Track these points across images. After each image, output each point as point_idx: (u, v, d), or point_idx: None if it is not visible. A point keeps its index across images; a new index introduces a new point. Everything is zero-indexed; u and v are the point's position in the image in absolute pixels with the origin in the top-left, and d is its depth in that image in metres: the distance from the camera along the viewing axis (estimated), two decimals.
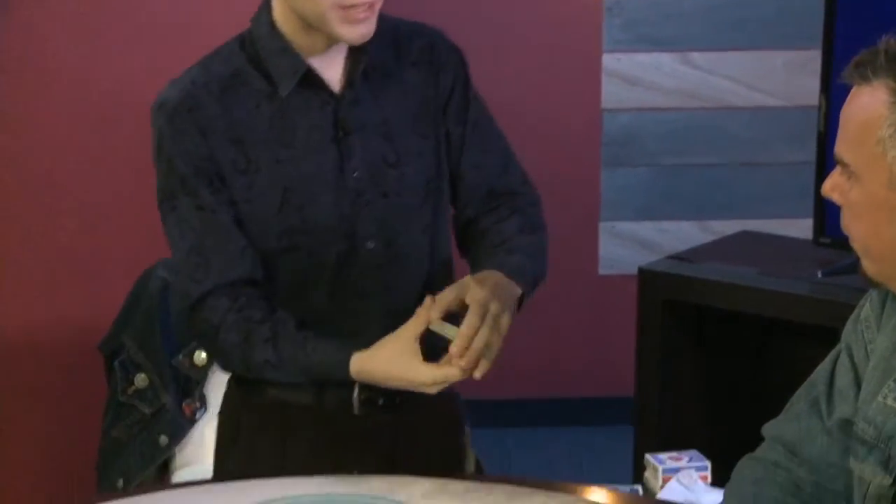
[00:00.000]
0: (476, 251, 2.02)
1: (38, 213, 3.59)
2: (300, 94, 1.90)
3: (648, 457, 2.38)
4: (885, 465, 1.49)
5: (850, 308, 2.81)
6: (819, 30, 2.96)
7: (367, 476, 1.82)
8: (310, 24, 1.87)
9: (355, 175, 1.91)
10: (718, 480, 2.37)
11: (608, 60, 4.02)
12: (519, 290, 1.92)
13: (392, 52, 1.95)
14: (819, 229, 2.99)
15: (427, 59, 1.97)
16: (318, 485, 1.79)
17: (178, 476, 2.82)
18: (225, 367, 1.95)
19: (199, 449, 2.85)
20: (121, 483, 2.85)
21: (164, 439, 2.85)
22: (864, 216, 1.46)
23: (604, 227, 4.08)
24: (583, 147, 4.04)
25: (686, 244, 3.40)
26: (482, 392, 4.00)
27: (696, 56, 4.02)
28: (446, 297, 1.84)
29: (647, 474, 2.37)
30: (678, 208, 4.06)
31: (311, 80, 1.90)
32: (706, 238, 3.62)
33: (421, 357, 1.81)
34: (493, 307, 1.82)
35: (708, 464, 2.36)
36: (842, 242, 2.98)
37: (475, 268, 1.98)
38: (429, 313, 1.83)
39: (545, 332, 4.13)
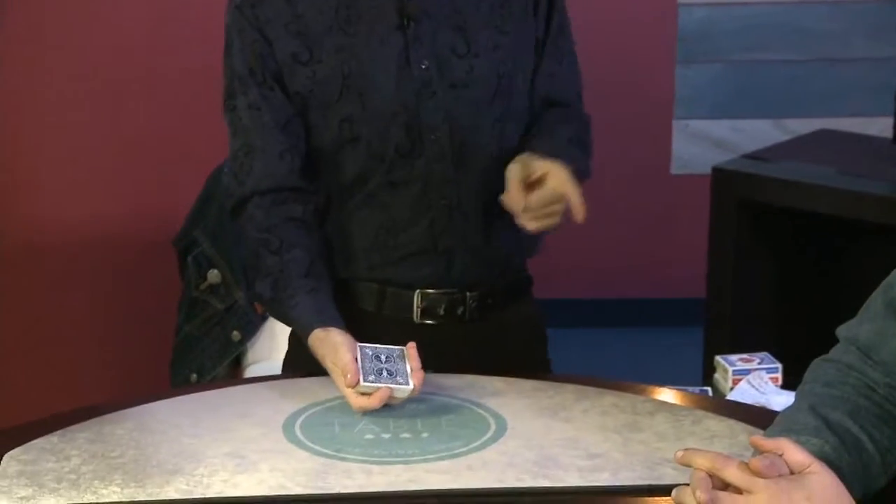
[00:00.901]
0: (525, 141, 1.98)
1: (111, 105, 3.62)
2: None
3: (719, 358, 2.37)
4: None
5: None
6: None
7: (436, 374, 1.83)
8: None
9: (423, 66, 1.89)
10: (789, 383, 2.36)
11: None
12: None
13: None
14: None
15: None
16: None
17: (250, 371, 2.86)
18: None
19: (271, 344, 2.89)
20: (194, 377, 2.90)
21: (236, 335, 2.89)
22: None
23: (677, 125, 4.03)
24: (658, 42, 3.98)
25: (761, 143, 3.35)
26: (554, 291, 4.01)
27: None
28: (516, 175, 1.83)
29: (717, 376, 2.36)
30: (754, 106, 3.99)
31: None
32: (782, 137, 3.56)
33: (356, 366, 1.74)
34: (563, 172, 1.82)
35: (779, 366, 2.35)
36: None
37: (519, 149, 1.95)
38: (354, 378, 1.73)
39: (617, 232, 4.11)
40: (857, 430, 1.48)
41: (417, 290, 1.95)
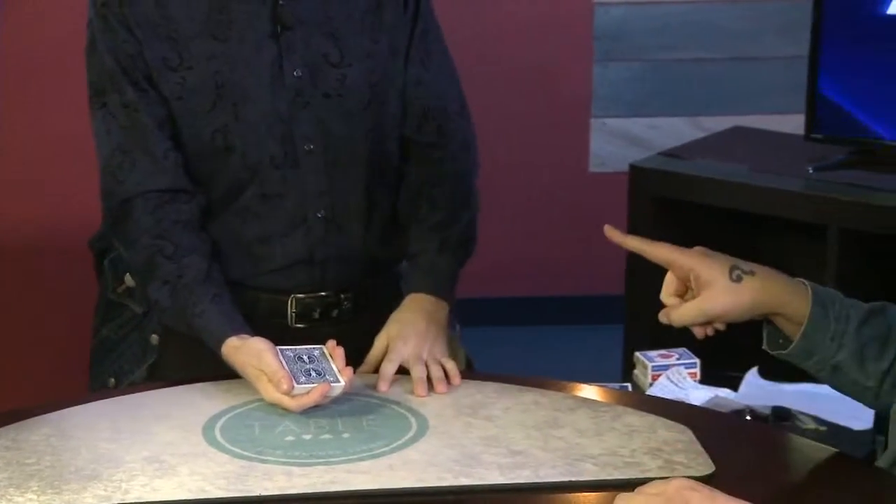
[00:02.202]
0: (405, 199, 2.00)
1: (29, 107, 3.57)
2: None
3: (638, 354, 2.39)
4: None
5: (841, 203, 2.82)
6: None
7: (358, 374, 1.82)
8: None
9: (296, 74, 1.87)
10: (707, 378, 2.39)
11: None
12: (447, 306, 1.95)
13: None
14: (811, 125, 2.98)
15: None
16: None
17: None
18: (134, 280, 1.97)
19: None
20: (112, 382, 2.85)
21: (154, 338, 2.85)
22: None
23: (595, 123, 4.06)
24: (574, 41, 4.00)
25: (678, 140, 3.39)
26: (474, 290, 4.02)
27: None
28: (375, 356, 1.84)
29: (637, 372, 2.38)
30: (670, 104, 4.03)
31: None
32: (698, 134, 3.60)
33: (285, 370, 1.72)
34: (426, 355, 1.82)
35: (697, 361, 2.38)
36: (833, 138, 3.00)
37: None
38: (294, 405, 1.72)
39: (535, 231, 4.12)
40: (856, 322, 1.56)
41: (291, 296, 1.96)
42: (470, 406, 1.74)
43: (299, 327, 1.97)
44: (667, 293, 1.64)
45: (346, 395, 1.76)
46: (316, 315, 1.98)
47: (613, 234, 1.66)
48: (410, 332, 1.86)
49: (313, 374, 1.72)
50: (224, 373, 1.85)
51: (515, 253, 4.14)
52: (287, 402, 1.71)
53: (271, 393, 1.72)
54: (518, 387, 1.80)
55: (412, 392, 1.77)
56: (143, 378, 2.91)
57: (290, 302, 1.97)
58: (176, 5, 1.85)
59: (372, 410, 1.73)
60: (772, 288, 1.59)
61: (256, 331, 1.84)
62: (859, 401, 1.66)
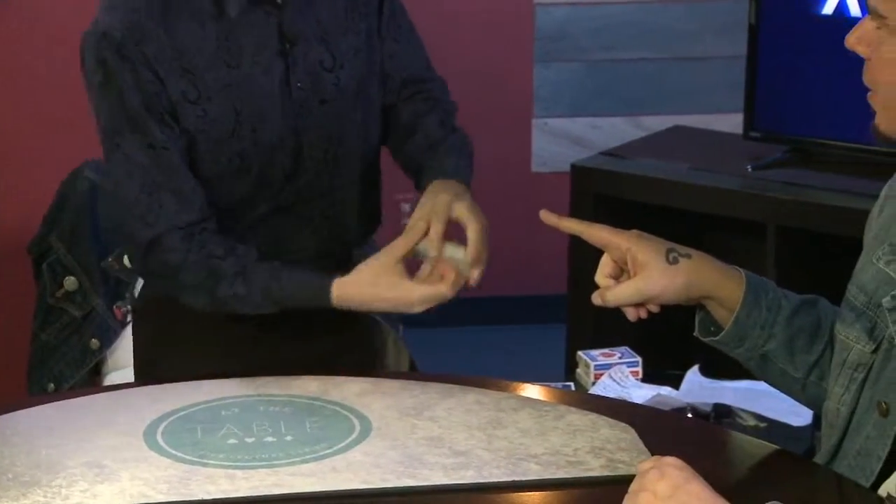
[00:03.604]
0: (405, 147, 2.01)
1: None
2: (245, 10, 1.84)
3: (581, 354, 2.40)
4: (870, 332, 1.52)
5: (780, 201, 2.86)
6: None
7: (300, 377, 1.82)
8: None
9: (299, 85, 1.87)
10: (649, 376, 2.40)
11: None
12: (469, 189, 1.95)
13: None
14: (749, 123, 3.01)
15: None
16: (251, 386, 1.79)
17: (110, 379, 2.81)
18: (187, 302, 1.90)
19: (131, 352, 2.84)
20: (51, 387, 2.84)
21: (94, 343, 2.83)
22: (895, 70, 1.43)
23: (537, 123, 4.07)
24: (516, 42, 4.01)
25: (619, 140, 3.41)
26: None
27: None
28: (418, 229, 1.84)
29: (580, 371, 2.39)
30: (611, 104, 4.05)
31: None
32: (638, 134, 3.62)
33: (406, 276, 1.80)
34: (484, 221, 1.86)
35: (639, 360, 2.39)
36: (771, 136, 3.03)
37: (410, 164, 1.99)
38: (418, 237, 1.81)
39: None
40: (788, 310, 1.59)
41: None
42: (413, 407, 1.74)
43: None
44: (602, 274, 1.65)
45: (289, 397, 1.75)
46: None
47: (549, 217, 1.67)
48: (458, 192, 1.88)
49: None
50: (167, 376, 1.84)
51: None
52: (442, 288, 1.76)
53: (420, 290, 1.77)
54: (461, 387, 1.80)
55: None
56: (83, 382, 2.89)
57: None
58: (185, 38, 1.82)
59: (315, 412, 1.73)
60: (707, 271, 1.61)
61: (220, 330, 1.90)
62: (786, 392, 1.68)
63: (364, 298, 1.83)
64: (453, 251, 1.82)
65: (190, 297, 1.88)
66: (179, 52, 1.82)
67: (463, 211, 1.84)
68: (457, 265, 1.81)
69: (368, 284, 1.81)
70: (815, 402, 1.67)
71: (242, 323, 1.93)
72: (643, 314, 1.64)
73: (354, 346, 2.07)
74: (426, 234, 1.83)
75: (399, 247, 1.83)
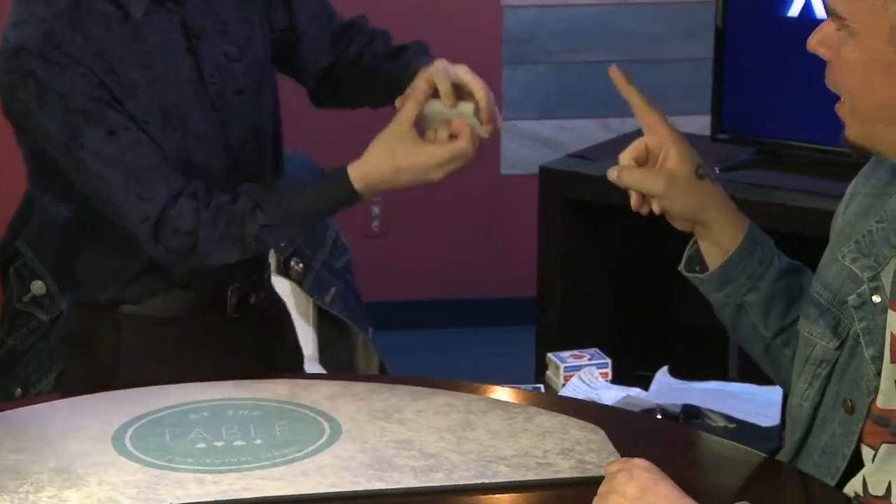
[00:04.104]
0: (359, 74, 2.00)
1: None
2: (149, 10, 1.84)
3: (550, 355, 2.41)
4: (834, 329, 1.53)
5: (747, 203, 2.86)
6: None
7: (268, 380, 1.82)
8: None
9: (211, 80, 1.88)
10: (619, 377, 2.41)
11: None
12: None
13: None
14: (716, 125, 3.02)
15: None
16: (219, 390, 1.78)
17: None
18: (219, 261, 1.86)
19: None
20: (19, 392, 2.82)
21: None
22: (856, 73, 1.44)
23: (505, 125, 4.07)
24: (484, 44, 4.02)
25: (587, 142, 3.41)
26: (387, 293, 4.01)
27: None
28: (422, 88, 1.81)
29: (550, 373, 2.40)
30: (579, 106, 4.06)
31: None
32: (607, 136, 3.63)
33: (422, 141, 1.78)
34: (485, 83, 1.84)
35: (608, 361, 2.40)
36: (738, 138, 3.04)
37: (368, 85, 1.98)
38: (424, 95, 1.79)
39: (447, 233, 4.13)
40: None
41: (231, 286, 1.95)
42: (383, 410, 1.73)
43: (237, 317, 1.97)
44: (627, 155, 1.65)
45: (258, 401, 1.75)
46: (252, 300, 1.98)
47: (619, 76, 1.70)
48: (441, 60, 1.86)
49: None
50: (133, 380, 1.84)
51: (427, 256, 4.15)
52: (462, 144, 1.75)
53: (440, 152, 1.75)
54: (431, 389, 1.80)
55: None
56: (51, 387, 2.88)
57: (230, 292, 1.96)
58: (98, 42, 1.81)
59: (284, 416, 1.72)
60: (720, 201, 1.63)
61: (189, 331, 1.91)
62: (748, 347, 1.69)
63: (384, 175, 1.79)
64: (463, 107, 1.80)
65: (219, 252, 1.84)
66: (99, 55, 1.81)
67: (463, 71, 1.83)
68: (469, 121, 1.78)
69: (385, 158, 1.78)
70: (773, 367, 1.68)
71: (199, 340, 1.93)
72: (645, 209, 1.64)
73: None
74: (430, 96, 1.80)
75: (409, 110, 1.79)
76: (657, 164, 1.62)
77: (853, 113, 1.47)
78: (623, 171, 1.62)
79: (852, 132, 1.48)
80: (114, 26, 1.82)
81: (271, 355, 2.05)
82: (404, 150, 1.78)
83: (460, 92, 1.83)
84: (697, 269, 1.66)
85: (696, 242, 1.66)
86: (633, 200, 1.64)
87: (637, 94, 1.66)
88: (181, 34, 1.86)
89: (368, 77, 1.99)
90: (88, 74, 1.79)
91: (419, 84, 1.81)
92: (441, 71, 1.82)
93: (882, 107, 1.43)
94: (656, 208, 1.63)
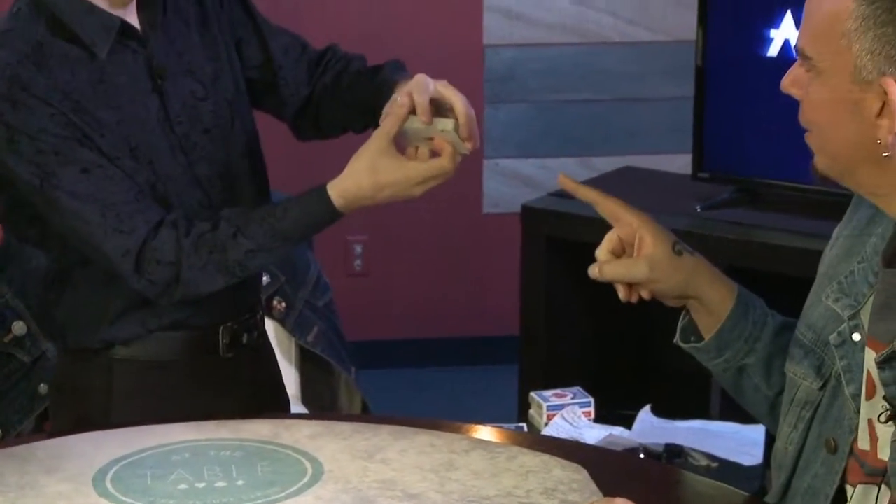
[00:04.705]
0: (339, 97, 2.00)
1: None
2: (114, 50, 1.84)
3: (533, 394, 2.41)
4: (818, 369, 1.54)
5: (729, 241, 2.87)
6: None
7: (251, 420, 1.81)
8: None
9: (178, 120, 1.88)
10: (601, 416, 2.41)
11: None
12: None
13: None
14: (698, 164, 3.03)
15: None
16: (201, 431, 1.78)
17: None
18: (204, 291, 1.86)
19: None
20: None
21: (43, 388, 2.80)
22: (824, 111, 1.45)
23: (487, 164, 4.09)
24: (465, 83, 4.01)
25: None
26: (370, 332, 4.01)
27: None
28: (402, 103, 1.81)
29: (532, 412, 2.39)
30: (561, 145, 4.08)
31: (123, 34, 1.85)
32: (588, 174, 3.64)
33: (403, 157, 1.78)
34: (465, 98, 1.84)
35: (591, 400, 2.40)
36: (719, 177, 3.05)
37: (348, 106, 1.98)
38: (404, 110, 1.78)
39: (430, 272, 4.13)
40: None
41: (221, 327, 1.94)
42: (365, 450, 1.73)
43: (229, 357, 1.96)
44: (604, 249, 1.64)
45: (238, 442, 1.74)
46: (244, 339, 1.97)
47: (567, 182, 1.67)
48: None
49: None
50: (114, 422, 1.82)
51: (410, 294, 4.14)
52: (443, 162, 1.75)
53: (421, 168, 1.75)
54: (413, 429, 1.79)
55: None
56: (32, 428, 2.85)
57: (220, 332, 1.96)
58: (65, 84, 1.81)
59: (266, 456, 1.71)
60: (705, 272, 1.63)
61: (183, 375, 1.90)
62: (753, 410, 1.69)
63: (364, 191, 1.79)
64: (444, 123, 1.79)
65: (203, 281, 1.83)
66: (65, 94, 1.80)
67: (443, 87, 1.82)
68: (449, 137, 1.78)
69: (366, 174, 1.77)
70: (776, 423, 1.68)
71: (191, 383, 1.93)
72: (634, 298, 1.64)
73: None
74: (411, 111, 1.79)
75: (389, 125, 1.79)
76: (634, 252, 1.62)
77: (821, 148, 1.49)
78: (604, 266, 1.63)
79: (820, 163, 1.50)
80: (79, 68, 1.82)
81: (265, 394, 2.04)
82: (384, 166, 1.78)
83: (440, 107, 1.82)
84: (693, 339, 1.66)
85: (688, 313, 1.66)
86: (621, 293, 1.64)
87: (592, 192, 1.67)
88: (146, 74, 1.86)
89: (348, 98, 1.99)
90: (57, 114, 1.79)
91: (400, 99, 1.81)
92: (421, 85, 1.82)
93: (849, 144, 1.45)
94: (646, 294, 1.63)
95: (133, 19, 1.87)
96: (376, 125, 1.86)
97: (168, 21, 1.89)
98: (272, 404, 2.05)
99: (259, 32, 2.00)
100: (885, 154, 1.41)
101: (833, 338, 1.51)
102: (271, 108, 2.04)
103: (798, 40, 1.46)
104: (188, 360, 1.93)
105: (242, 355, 1.98)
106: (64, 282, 1.93)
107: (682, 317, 1.66)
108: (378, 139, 1.79)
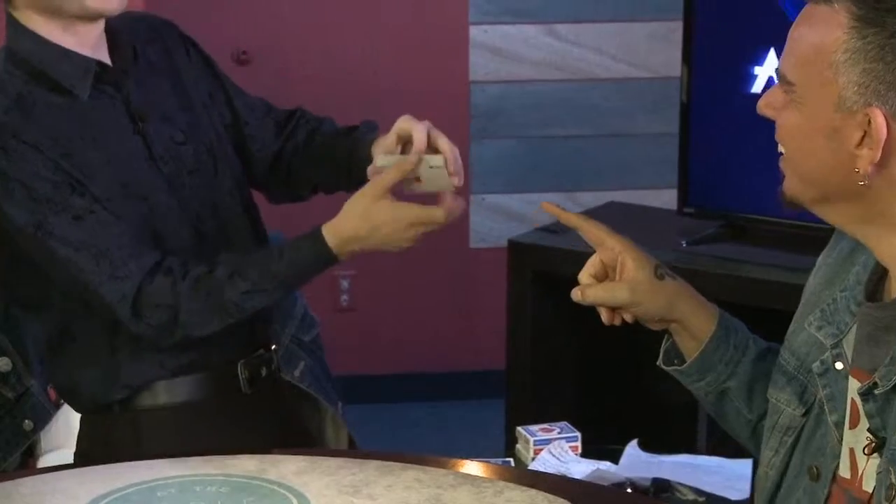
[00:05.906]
0: (311, 156, 2.04)
1: None
2: (94, 93, 1.86)
3: (520, 429, 2.40)
4: (801, 396, 1.54)
5: (714, 276, 2.88)
6: (680, 1, 3.00)
7: (237, 456, 1.80)
8: (62, 14, 1.82)
9: (163, 162, 1.89)
10: (588, 451, 2.41)
11: (475, 32, 4.03)
12: None
13: (127, 36, 1.93)
14: (683, 199, 3.05)
15: (155, 36, 1.97)
16: (186, 466, 1.77)
17: (44, 461, 2.76)
18: (202, 334, 1.87)
19: (66, 432, 2.80)
20: None
21: (28, 424, 2.78)
22: (801, 136, 1.45)
23: (474, 199, 4.10)
24: (451, 119, 4.05)
25: (555, 216, 3.43)
26: (357, 367, 4.00)
27: (561, 28, 4.05)
28: (411, 160, 1.86)
29: (519, 446, 2.39)
30: (546, 180, 4.09)
31: (98, 79, 1.87)
32: (575, 209, 3.64)
33: (396, 200, 1.82)
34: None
35: (578, 434, 2.40)
36: (705, 212, 3.06)
37: (321, 165, 2.02)
38: (410, 166, 1.84)
39: (417, 306, 4.13)
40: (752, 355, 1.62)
41: (239, 363, 1.96)
42: (352, 485, 1.72)
43: (251, 393, 1.98)
44: (586, 273, 1.66)
45: (224, 477, 1.74)
46: (263, 373, 1.98)
47: (551, 207, 1.70)
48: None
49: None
50: (101, 459, 1.82)
51: (396, 329, 4.14)
52: (436, 212, 1.81)
53: (414, 210, 1.79)
54: (400, 464, 1.79)
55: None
56: (16, 464, 2.84)
57: (239, 368, 1.96)
58: (50, 129, 1.83)
59: (253, 491, 1.71)
60: (688, 297, 1.64)
61: (206, 417, 1.93)
62: (736, 433, 1.70)
63: (359, 233, 1.83)
64: (434, 160, 1.85)
65: (202, 323, 1.85)
66: (54, 140, 1.82)
67: (428, 127, 1.88)
68: (438, 173, 1.84)
69: (360, 217, 1.82)
70: (759, 447, 1.68)
71: (217, 422, 1.94)
72: (617, 321, 1.64)
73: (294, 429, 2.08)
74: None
75: (390, 177, 1.83)
76: (616, 276, 1.63)
77: (794, 172, 1.49)
78: (586, 290, 1.64)
79: (789, 187, 1.50)
80: (63, 113, 1.84)
81: (290, 429, 2.04)
82: (378, 208, 1.82)
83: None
84: (675, 361, 1.66)
85: (670, 336, 1.67)
86: (604, 316, 1.65)
87: (575, 217, 1.70)
88: (127, 118, 1.89)
89: (322, 157, 2.03)
90: (48, 160, 1.81)
91: (397, 134, 1.88)
92: (415, 122, 1.88)
93: (824, 170, 1.45)
94: (628, 317, 1.64)
95: (106, 58, 1.89)
96: (349, 184, 1.91)
97: (140, 69, 1.92)
98: (301, 439, 2.04)
99: (225, 91, 2.03)
100: (861, 183, 1.41)
101: (816, 366, 1.51)
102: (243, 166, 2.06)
103: (781, 64, 1.46)
104: (212, 399, 1.94)
105: (264, 389, 1.98)
106: (67, 338, 1.93)
107: (664, 340, 1.67)
108: (375, 186, 1.83)
